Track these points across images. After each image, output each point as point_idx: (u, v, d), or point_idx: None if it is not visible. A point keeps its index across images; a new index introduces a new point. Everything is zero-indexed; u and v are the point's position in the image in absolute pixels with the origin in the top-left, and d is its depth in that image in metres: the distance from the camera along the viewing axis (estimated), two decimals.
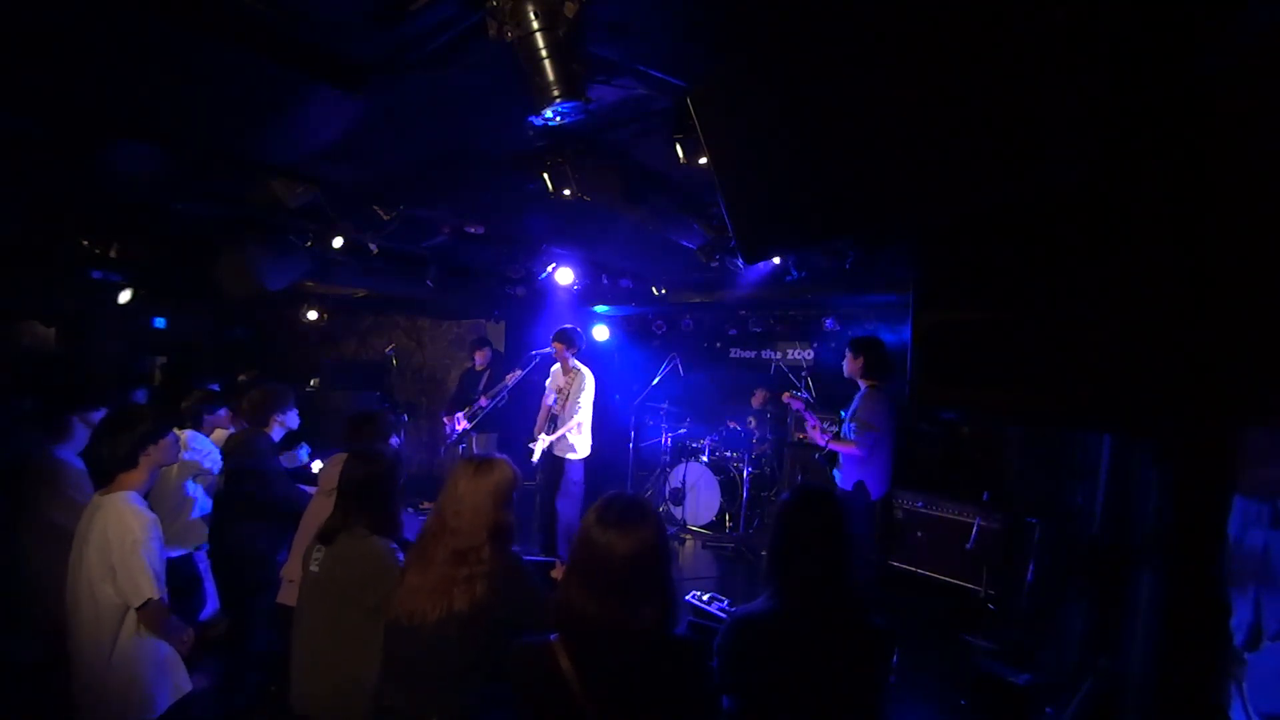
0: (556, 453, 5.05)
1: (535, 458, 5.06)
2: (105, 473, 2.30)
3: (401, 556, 2.03)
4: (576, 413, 4.94)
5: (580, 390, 4.96)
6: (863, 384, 4.27)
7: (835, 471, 4.48)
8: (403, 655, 1.77)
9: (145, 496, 2.32)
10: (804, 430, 4.78)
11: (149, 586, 2.14)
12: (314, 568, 2.10)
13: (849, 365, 4.32)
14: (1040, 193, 1.54)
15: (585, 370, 5.04)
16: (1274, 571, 2.00)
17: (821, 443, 4.31)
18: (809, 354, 7.71)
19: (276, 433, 3.50)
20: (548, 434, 5.02)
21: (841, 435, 4.29)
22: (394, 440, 2.92)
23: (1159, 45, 1.33)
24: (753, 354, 8.35)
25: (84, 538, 2.22)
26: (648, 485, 7.51)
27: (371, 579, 2.02)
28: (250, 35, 2.17)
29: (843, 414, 4.43)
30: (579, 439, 4.99)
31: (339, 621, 2.03)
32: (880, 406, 4.16)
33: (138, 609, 2.15)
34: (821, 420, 4.54)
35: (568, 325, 5.09)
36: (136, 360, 7.64)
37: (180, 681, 2.31)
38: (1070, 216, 1.62)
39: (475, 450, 6.30)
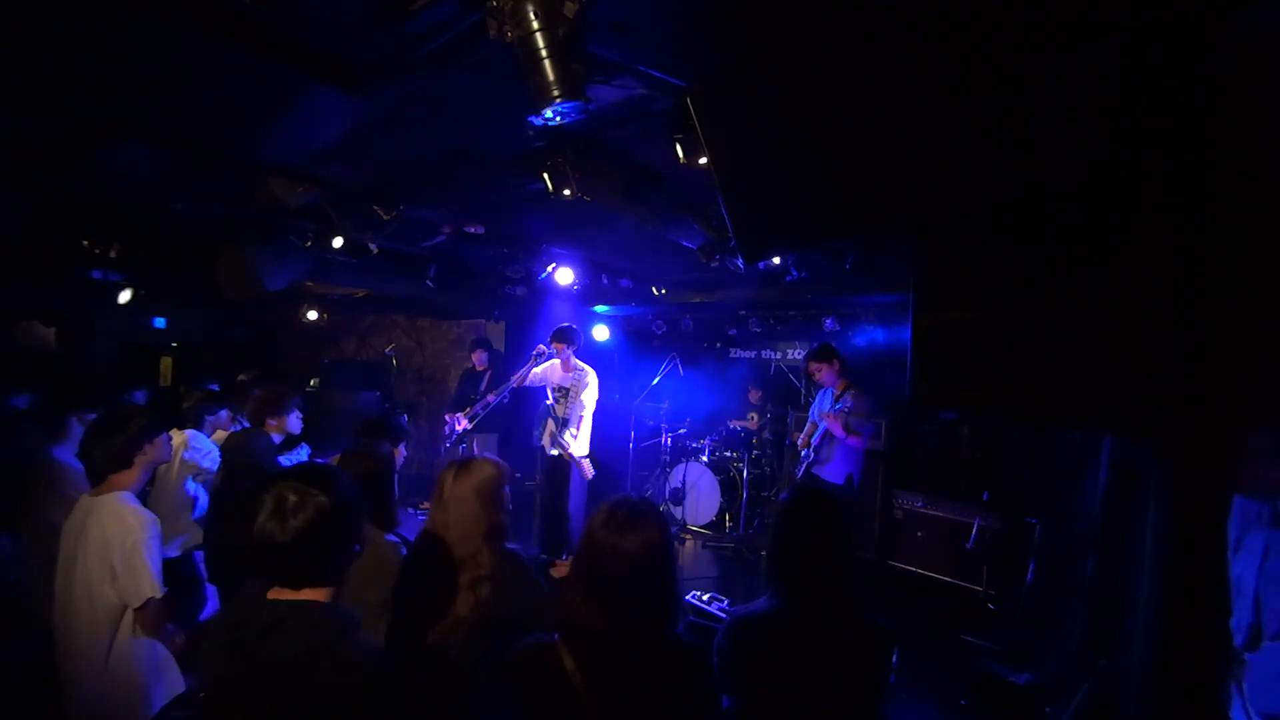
0: (559, 453, 5.04)
1: (552, 451, 5.06)
2: (98, 473, 2.25)
3: (404, 551, 2.03)
4: (581, 411, 4.93)
5: (583, 389, 4.95)
6: (839, 383, 4.67)
7: (816, 469, 4.65)
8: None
9: (146, 496, 2.29)
10: (807, 439, 4.87)
11: (150, 586, 2.13)
12: None
13: (825, 374, 4.75)
14: (1041, 192, 1.54)
15: (588, 369, 5.03)
16: (1274, 572, 2.00)
17: (839, 435, 4.55)
18: None
19: (276, 435, 3.49)
20: (560, 438, 4.99)
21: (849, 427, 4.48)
22: (402, 448, 2.90)
23: (1162, 45, 1.33)
24: (753, 354, 8.36)
25: (76, 540, 2.18)
26: (648, 485, 7.51)
27: (376, 576, 2.01)
28: (250, 35, 2.17)
29: (823, 411, 4.73)
30: (580, 437, 4.99)
31: None
32: (872, 399, 4.57)
33: (137, 609, 2.14)
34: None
35: (565, 324, 5.07)
36: (137, 360, 7.64)
37: (174, 681, 2.30)
38: (1071, 216, 1.62)
39: (476, 450, 6.30)
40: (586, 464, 4.92)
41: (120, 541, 2.13)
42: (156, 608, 2.16)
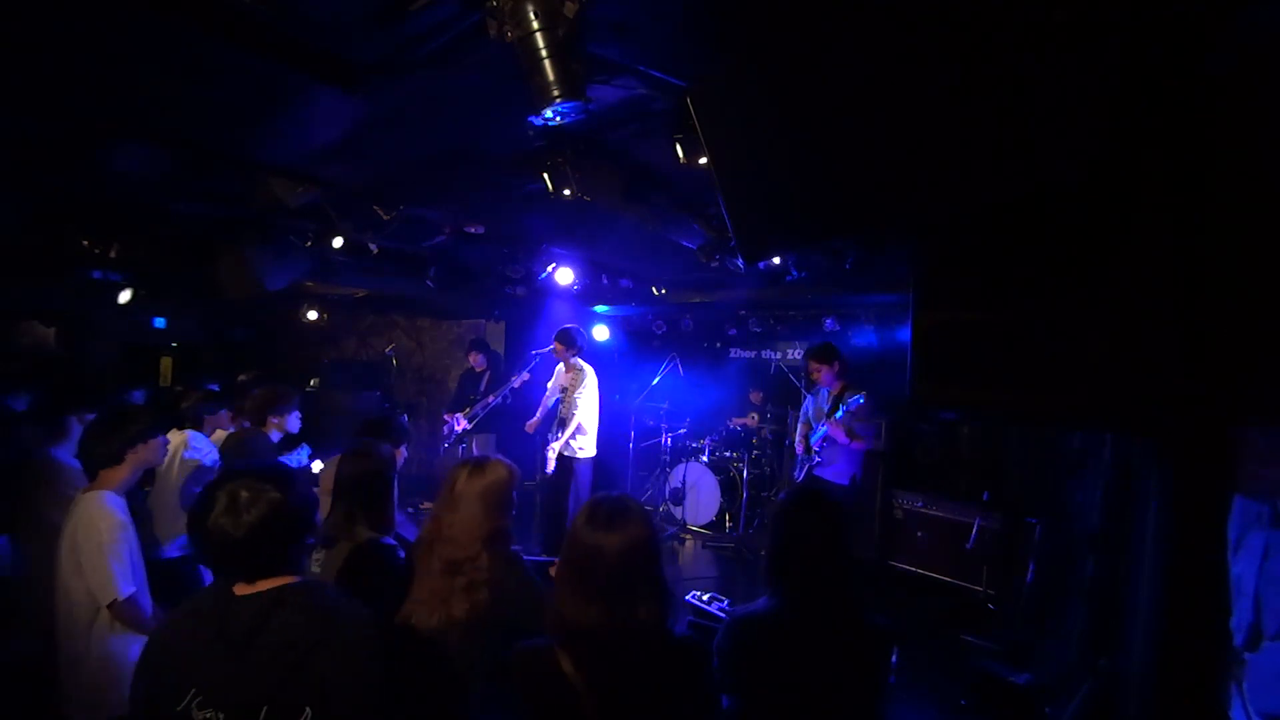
0: (565, 453, 5.05)
1: (550, 467, 5.06)
2: (91, 469, 2.30)
3: (402, 554, 2.03)
4: (575, 410, 4.94)
5: (581, 387, 4.95)
6: (836, 384, 4.63)
7: (819, 471, 4.64)
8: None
9: (146, 496, 2.29)
10: (806, 441, 4.87)
11: (114, 587, 2.14)
12: (315, 569, 2.10)
13: (824, 374, 4.69)
14: (1041, 192, 1.54)
15: (587, 368, 5.03)
16: (1274, 571, 2.00)
17: (843, 441, 4.53)
18: None
19: (275, 434, 3.49)
20: (556, 439, 5.00)
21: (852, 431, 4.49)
22: (403, 448, 2.89)
23: (1162, 45, 1.33)
24: (753, 354, 8.36)
25: (64, 534, 2.24)
26: (648, 485, 7.51)
27: (369, 576, 2.01)
28: (250, 35, 2.17)
29: (821, 409, 4.72)
30: (584, 438, 5.00)
31: None
32: (872, 401, 4.52)
33: (107, 607, 2.16)
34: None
35: (569, 325, 5.09)
36: (137, 360, 7.64)
37: None
38: (1071, 216, 1.62)
39: (475, 451, 6.30)
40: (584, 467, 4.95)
41: (86, 541, 2.16)
42: (124, 607, 2.17)
